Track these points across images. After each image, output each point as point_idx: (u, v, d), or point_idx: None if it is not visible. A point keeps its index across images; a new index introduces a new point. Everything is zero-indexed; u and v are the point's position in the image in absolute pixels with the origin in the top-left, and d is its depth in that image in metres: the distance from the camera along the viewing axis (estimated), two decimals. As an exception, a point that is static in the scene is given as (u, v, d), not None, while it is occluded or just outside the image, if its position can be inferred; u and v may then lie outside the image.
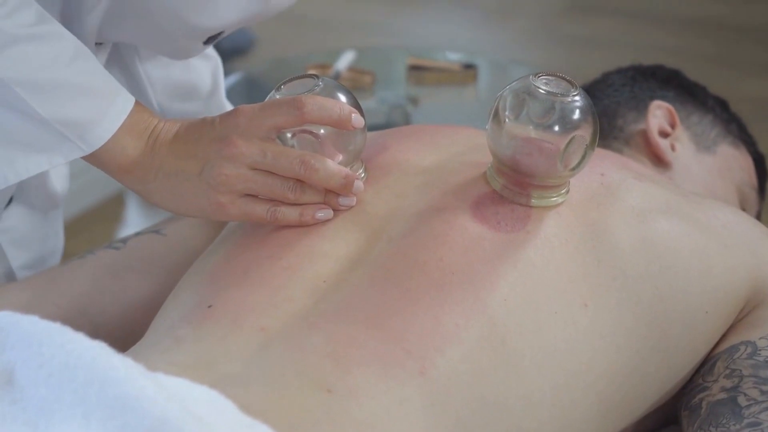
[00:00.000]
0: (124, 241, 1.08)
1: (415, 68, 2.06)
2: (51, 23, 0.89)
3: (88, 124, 0.89)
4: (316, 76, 0.92)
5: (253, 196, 0.89)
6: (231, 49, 3.25)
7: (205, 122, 0.91)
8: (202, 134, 0.90)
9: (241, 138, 0.88)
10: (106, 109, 0.89)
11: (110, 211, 2.72)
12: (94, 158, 0.91)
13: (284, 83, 0.93)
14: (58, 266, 1.08)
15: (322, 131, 0.90)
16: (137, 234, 1.09)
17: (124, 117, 0.90)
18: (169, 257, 1.05)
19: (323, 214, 0.89)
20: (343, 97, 0.91)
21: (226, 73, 1.27)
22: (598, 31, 3.73)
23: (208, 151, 0.89)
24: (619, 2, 3.99)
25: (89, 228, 2.62)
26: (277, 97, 0.91)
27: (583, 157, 0.87)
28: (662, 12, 3.86)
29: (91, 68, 0.90)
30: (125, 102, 0.91)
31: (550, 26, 3.86)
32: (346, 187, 0.89)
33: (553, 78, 0.88)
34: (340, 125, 0.89)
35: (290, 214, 0.89)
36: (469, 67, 2.09)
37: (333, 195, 0.90)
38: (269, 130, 0.88)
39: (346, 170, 0.89)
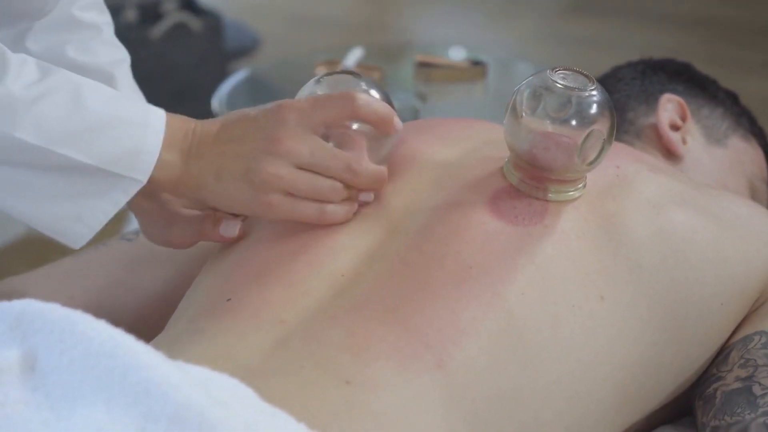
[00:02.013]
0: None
1: (423, 65, 2.06)
2: (54, 72, 0.88)
3: (133, 153, 0.87)
4: (356, 74, 0.92)
5: (295, 195, 0.88)
6: (236, 48, 3.26)
7: (248, 118, 0.89)
8: (246, 132, 0.88)
9: (289, 136, 0.87)
10: (143, 132, 0.88)
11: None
12: (148, 185, 0.90)
13: (323, 76, 0.92)
14: (72, 258, 1.08)
15: (360, 129, 0.89)
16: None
17: (162, 133, 0.88)
18: (185, 250, 1.05)
19: (353, 209, 0.90)
20: (381, 97, 0.91)
21: (231, 73, 1.26)
22: (602, 31, 3.73)
23: (254, 149, 0.87)
24: (624, 2, 3.99)
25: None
26: (318, 90, 0.91)
27: (601, 152, 0.87)
28: (666, 12, 3.86)
29: (109, 97, 0.89)
30: (157, 117, 0.89)
31: (554, 27, 3.86)
32: (379, 189, 0.90)
33: (570, 72, 0.88)
34: (383, 126, 0.88)
35: (338, 213, 0.89)
36: (478, 64, 2.09)
37: (356, 190, 0.90)
38: (319, 124, 0.87)
39: (384, 173, 0.90)
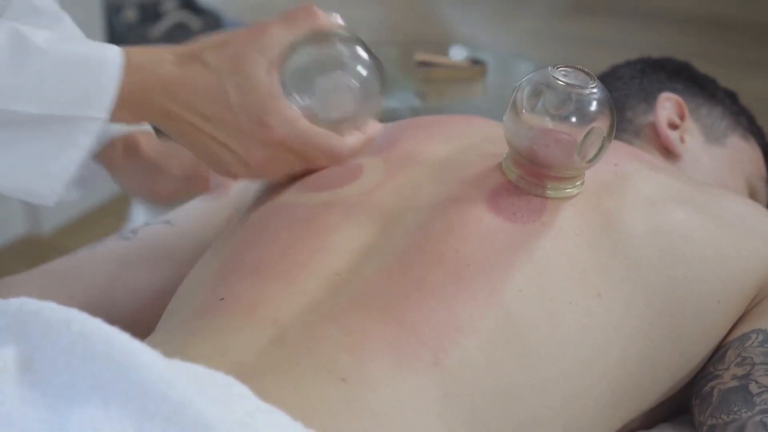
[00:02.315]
0: (135, 231, 1.08)
1: (423, 64, 2.06)
2: None
3: (89, 92, 0.84)
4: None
5: None
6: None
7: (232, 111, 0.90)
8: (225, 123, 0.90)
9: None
10: (98, 67, 0.85)
11: (115, 209, 2.72)
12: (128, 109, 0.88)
13: (557, 68, 0.90)
14: (69, 257, 1.08)
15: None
16: (147, 224, 1.10)
17: (120, 66, 0.85)
18: (180, 248, 1.06)
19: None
20: (369, 61, 0.93)
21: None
22: (602, 30, 3.73)
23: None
24: (624, 2, 3.99)
25: (95, 225, 2.62)
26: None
27: (600, 149, 0.88)
28: (666, 11, 3.86)
29: (57, 40, 0.85)
30: (114, 51, 0.86)
31: (555, 26, 3.86)
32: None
33: (572, 70, 0.88)
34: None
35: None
36: (478, 63, 2.09)
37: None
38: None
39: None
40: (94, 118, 0.85)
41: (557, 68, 0.88)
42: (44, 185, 0.86)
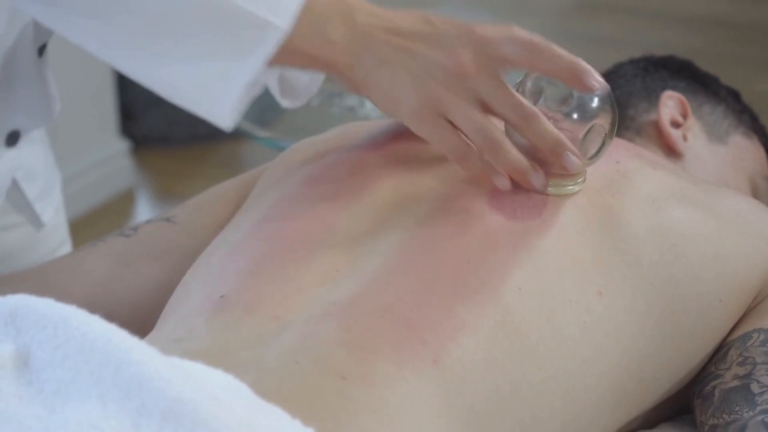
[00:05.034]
0: (135, 228, 1.08)
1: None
2: None
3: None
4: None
5: (447, 121, 0.84)
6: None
7: (428, 23, 0.85)
8: (426, 36, 0.84)
9: (472, 59, 0.83)
10: None
11: (119, 207, 2.72)
12: (298, 54, 0.83)
13: None
14: (69, 254, 1.08)
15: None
16: (148, 221, 1.10)
17: None
18: (181, 245, 1.05)
19: (500, 182, 0.86)
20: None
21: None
22: (608, 29, 3.73)
23: (431, 55, 0.83)
24: (629, 1, 3.99)
25: (97, 224, 2.62)
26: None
27: (602, 146, 0.87)
28: (672, 10, 3.85)
29: None
30: None
31: (560, 25, 3.86)
32: (557, 157, 0.85)
33: None
34: (574, 80, 0.84)
35: (477, 165, 0.85)
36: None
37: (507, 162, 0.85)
38: (499, 59, 0.83)
39: (565, 142, 0.84)
40: (277, 27, 0.81)
41: None
42: (223, 92, 0.82)
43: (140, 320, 0.99)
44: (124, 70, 0.86)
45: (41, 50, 1.07)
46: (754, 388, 0.85)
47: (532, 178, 0.86)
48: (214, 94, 0.82)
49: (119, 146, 2.79)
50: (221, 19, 0.81)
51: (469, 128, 0.84)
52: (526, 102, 0.85)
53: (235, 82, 0.82)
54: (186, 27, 0.82)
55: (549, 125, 0.85)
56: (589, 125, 0.86)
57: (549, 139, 0.85)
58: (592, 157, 0.88)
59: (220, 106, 0.83)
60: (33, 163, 1.13)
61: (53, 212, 1.19)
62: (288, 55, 0.82)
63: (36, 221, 1.15)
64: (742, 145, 1.21)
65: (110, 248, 1.06)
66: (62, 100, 1.13)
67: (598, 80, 0.85)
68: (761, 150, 1.24)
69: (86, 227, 2.62)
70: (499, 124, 0.87)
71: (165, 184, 2.84)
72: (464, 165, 0.86)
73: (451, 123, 0.85)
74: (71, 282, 1.03)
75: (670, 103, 1.18)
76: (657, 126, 1.17)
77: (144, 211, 2.80)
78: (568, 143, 0.85)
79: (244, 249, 0.88)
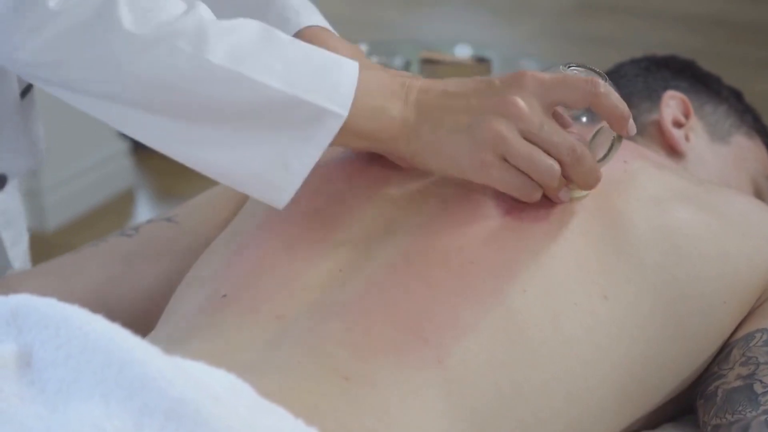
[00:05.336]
0: (136, 228, 1.08)
1: (428, 62, 2.06)
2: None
3: (331, 85, 0.82)
4: (602, 76, 0.89)
5: (509, 162, 0.84)
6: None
7: (481, 81, 0.87)
8: (478, 90, 0.86)
9: (523, 101, 0.83)
10: (338, 64, 0.84)
11: (118, 207, 2.72)
12: (355, 134, 0.85)
13: (572, 65, 0.89)
14: (71, 254, 1.08)
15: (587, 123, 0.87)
16: (149, 221, 1.10)
17: (356, 67, 0.84)
18: (182, 245, 1.05)
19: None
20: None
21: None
22: (608, 29, 3.73)
23: (483, 105, 0.84)
24: (629, 1, 3.99)
25: (97, 224, 2.62)
26: (562, 71, 0.88)
27: (611, 149, 0.87)
28: (672, 10, 3.85)
29: (295, 41, 0.85)
30: (350, 61, 0.85)
31: (560, 25, 3.86)
32: (592, 187, 0.87)
33: (583, 69, 0.88)
34: (618, 123, 0.86)
35: (537, 196, 0.86)
36: (483, 61, 2.09)
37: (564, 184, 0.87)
38: (555, 102, 0.85)
39: (600, 173, 0.87)
40: (336, 114, 0.83)
41: (568, 66, 0.87)
42: (282, 178, 0.83)
43: (142, 319, 0.99)
44: (178, 158, 0.86)
45: (24, 92, 1.06)
46: (757, 388, 0.85)
47: (562, 194, 0.87)
48: (275, 182, 0.84)
49: (119, 146, 2.79)
50: (281, 109, 0.82)
51: (532, 168, 0.85)
52: (578, 145, 0.85)
53: (296, 170, 0.83)
54: (245, 118, 0.83)
55: (594, 164, 0.86)
56: (597, 127, 0.86)
57: (592, 180, 0.86)
58: (600, 160, 0.88)
59: (281, 192, 0.84)
60: (12, 208, 1.12)
61: (21, 262, 1.17)
62: (345, 136, 0.84)
63: (6, 268, 1.14)
64: (744, 145, 1.21)
65: (112, 248, 1.06)
66: (62, 100, 1.12)
67: (632, 123, 0.87)
68: (763, 150, 1.24)
69: (86, 227, 2.62)
70: None
71: (165, 184, 2.84)
72: (527, 199, 0.87)
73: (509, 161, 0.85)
74: (73, 282, 1.03)
75: (672, 103, 1.18)
76: (659, 126, 1.17)
77: (144, 211, 2.80)
78: (600, 173, 0.87)
79: (247, 248, 0.88)
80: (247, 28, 0.83)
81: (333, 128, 0.83)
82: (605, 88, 0.85)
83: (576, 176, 0.86)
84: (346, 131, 0.83)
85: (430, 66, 2.06)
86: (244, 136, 0.83)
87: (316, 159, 0.83)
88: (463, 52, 2.19)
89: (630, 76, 1.25)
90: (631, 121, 0.86)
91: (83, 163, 2.67)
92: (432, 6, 4.00)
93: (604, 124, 0.86)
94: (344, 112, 0.82)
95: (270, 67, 0.81)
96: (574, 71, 0.87)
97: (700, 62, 1.29)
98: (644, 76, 1.24)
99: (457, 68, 2.07)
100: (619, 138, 0.87)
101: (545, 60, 2.37)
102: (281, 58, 0.82)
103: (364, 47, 2.10)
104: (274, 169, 0.83)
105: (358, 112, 0.83)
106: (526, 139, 0.84)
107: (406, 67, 2.06)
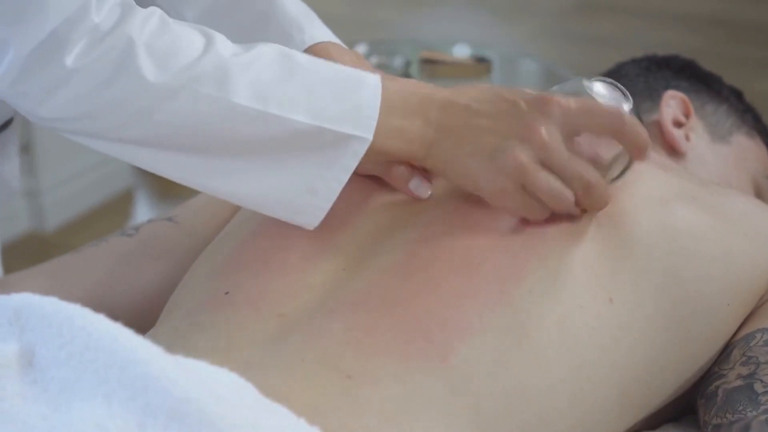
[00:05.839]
0: (137, 228, 1.08)
1: (427, 62, 2.05)
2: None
3: (354, 110, 0.83)
4: (625, 93, 0.90)
5: (526, 189, 0.85)
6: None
7: (505, 99, 0.86)
8: (502, 112, 0.86)
9: (549, 131, 0.84)
10: (360, 88, 0.84)
11: (118, 207, 2.72)
12: (378, 153, 0.86)
13: (595, 80, 0.90)
14: (71, 254, 1.08)
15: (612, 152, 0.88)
16: (150, 221, 1.10)
17: (378, 88, 0.85)
18: (183, 244, 1.05)
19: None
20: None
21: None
22: (608, 29, 3.72)
23: (508, 129, 0.85)
24: (629, 1, 3.98)
25: (97, 224, 2.62)
26: (585, 91, 0.88)
27: (624, 170, 0.88)
28: (672, 10, 3.85)
29: (314, 59, 0.86)
30: (371, 77, 0.85)
31: (560, 25, 3.85)
32: (600, 210, 0.88)
33: (608, 86, 0.88)
34: (638, 152, 0.87)
35: (546, 216, 0.87)
36: (483, 61, 2.09)
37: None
38: (579, 130, 0.86)
39: (609, 198, 0.88)
40: (362, 138, 0.84)
41: (593, 81, 0.88)
42: (310, 205, 0.85)
43: (143, 319, 0.99)
44: (207, 190, 0.88)
45: (4, 126, 1.06)
46: (758, 387, 0.85)
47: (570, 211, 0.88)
48: (304, 207, 0.85)
49: (119, 146, 2.78)
50: (307, 139, 0.83)
51: (547, 198, 0.85)
52: (592, 174, 0.86)
53: (323, 195, 0.85)
54: (272, 150, 0.84)
55: (603, 192, 0.86)
56: (617, 150, 0.87)
57: (600, 206, 0.87)
58: (614, 180, 0.88)
59: (310, 217, 0.85)
60: None
61: None
62: (369, 156, 0.85)
63: None
64: (745, 145, 1.21)
65: (113, 248, 1.06)
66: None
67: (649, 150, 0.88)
68: (764, 149, 1.24)
69: (86, 227, 2.62)
70: None
71: (165, 184, 2.82)
72: (536, 219, 0.87)
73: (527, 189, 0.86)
74: (73, 282, 1.03)
75: (672, 103, 1.18)
76: (659, 126, 1.17)
77: (144, 211, 2.80)
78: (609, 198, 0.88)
79: (250, 246, 0.88)
80: (267, 57, 0.83)
81: (359, 152, 0.84)
82: (629, 119, 0.86)
83: (586, 203, 0.87)
84: (369, 151, 0.84)
85: (430, 66, 2.05)
86: (272, 166, 0.84)
87: (344, 182, 0.84)
88: (462, 52, 2.19)
89: (631, 75, 1.25)
90: (648, 151, 0.87)
91: (83, 163, 2.67)
92: (432, 6, 4.00)
93: (621, 149, 0.87)
94: (369, 136, 0.84)
95: (294, 100, 0.82)
96: (598, 87, 0.87)
97: (700, 62, 1.29)
98: (645, 76, 1.24)
99: (456, 68, 2.07)
100: (632, 160, 0.88)
101: (545, 60, 2.36)
102: (304, 87, 0.83)
103: (364, 47, 2.10)
104: (302, 195, 0.84)
105: (381, 131, 0.84)
106: (543, 164, 0.84)
107: (406, 67, 2.06)
